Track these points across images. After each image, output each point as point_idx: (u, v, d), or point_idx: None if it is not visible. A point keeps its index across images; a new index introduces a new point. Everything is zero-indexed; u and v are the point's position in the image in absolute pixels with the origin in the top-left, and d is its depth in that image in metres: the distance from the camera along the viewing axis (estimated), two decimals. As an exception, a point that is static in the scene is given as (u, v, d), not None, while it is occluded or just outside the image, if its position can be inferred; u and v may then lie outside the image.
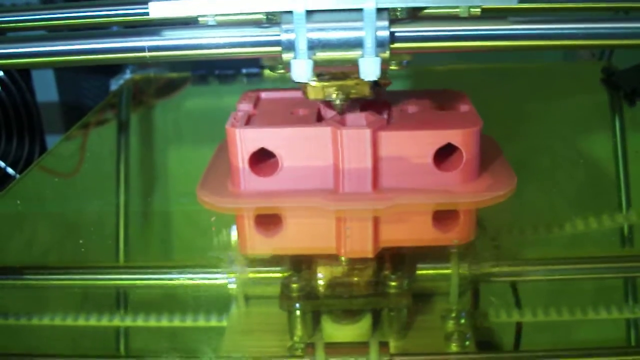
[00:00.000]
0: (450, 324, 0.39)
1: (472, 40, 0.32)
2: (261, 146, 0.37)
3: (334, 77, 0.36)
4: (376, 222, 0.37)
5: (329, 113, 0.39)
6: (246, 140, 0.37)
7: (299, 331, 0.38)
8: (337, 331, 0.38)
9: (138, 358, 0.47)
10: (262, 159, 0.38)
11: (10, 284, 0.45)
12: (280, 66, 0.36)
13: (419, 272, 0.40)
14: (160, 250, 0.59)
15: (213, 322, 0.42)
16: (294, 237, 0.38)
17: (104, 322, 0.43)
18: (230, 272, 0.41)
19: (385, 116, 0.39)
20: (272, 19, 0.34)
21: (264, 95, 0.43)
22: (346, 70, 0.35)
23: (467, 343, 0.37)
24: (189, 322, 0.42)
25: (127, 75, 0.78)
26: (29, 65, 0.63)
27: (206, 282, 0.42)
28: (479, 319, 0.41)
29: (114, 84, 0.78)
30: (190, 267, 0.43)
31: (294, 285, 0.38)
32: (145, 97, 0.77)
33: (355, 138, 0.36)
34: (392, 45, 0.32)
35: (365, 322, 0.38)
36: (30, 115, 0.77)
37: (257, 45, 0.33)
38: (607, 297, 0.43)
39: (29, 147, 0.77)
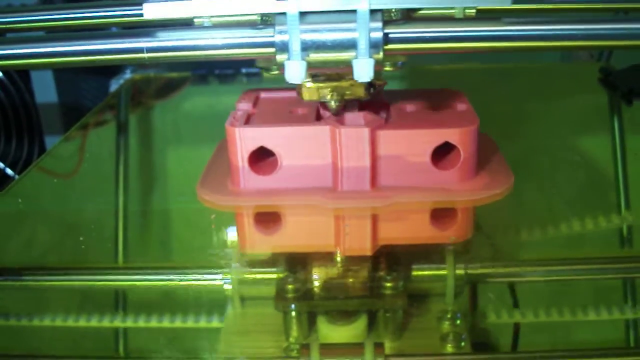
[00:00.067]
0: (446, 325, 0.39)
1: (467, 42, 0.32)
2: (260, 145, 0.37)
3: (328, 78, 0.36)
4: (374, 220, 0.38)
5: (327, 112, 0.39)
6: (246, 139, 0.37)
7: (294, 332, 0.38)
8: (333, 332, 0.38)
9: (136, 359, 0.47)
10: (262, 157, 0.38)
11: (9, 285, 0.45)
12: (274, 67, 0.36)
13: (414, 272, 0.40)
14: (160, 251, 0.59)
15: (208, 323, 0.42)
16: (293, 235, 0.39)
17: (104, 323, 0.43)
18: (226, 273, 0.41)
19: (383, 115, 0.39)
20: (267, 20, 0.34)
21: (263, 94, 0.43)
22: (340, 72, 0.35)
23: (463, 344, 0.37)
24: (185, 323, 0.42)
25: (128, 75, 0.78)
26: (28, 66, 0.63)
27: (202, 283, 0.42)
28: (476, 320, 0.41)
29: (115, 84, 0.78)
30: (186, 268, 0.43)
31: (290, 286, 0.38)
32: (144, 98, 0.78)
33: (354, 137, 0.36)
34: (385, 47, 0.32)
35: (361, 323, 0.38)
36: (30, 116, 0.78)
37: (251, 47, 0.33)
38: (606, 298, 0.43)
39: (28, 148, 0.77)
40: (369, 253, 0.38)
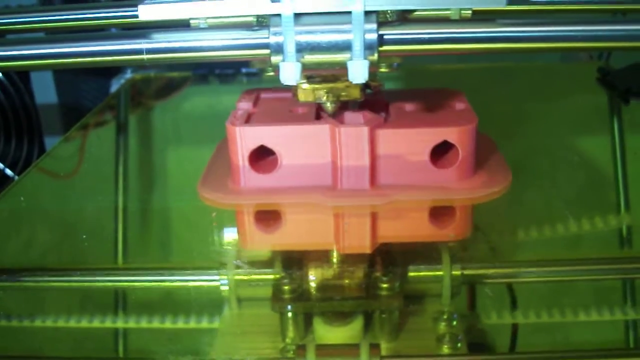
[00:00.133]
0: (442, 326, 0.39)
1: (462, 43, 0.32)
2: (261, 144, 0.38)
3: (324, 79, 0.36)
4: (374, 218, 0.38)
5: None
6: (246, 138, 0.38)
7: (290, 333, 0.39)
8: (329, 333, 0.38)
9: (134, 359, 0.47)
10: (262, 156, 0.39)
11: (8, 286, 0.45)
12: (270, 68, 0.36)
13: (410, 273, 0.40)
14: (159, 251, 0.59)
15: (205, 324, 0.42)
16: (293, 233, 0.39)
17: (97, 323, 0.43)
18: (223, 274, 0.41)
19: (382, 114, 0.39)
20: (262, 22, 0.34)
21: (263, 94, 0.44)
22: (336, 73, 0.35)
23: (459, 345, 0.37)
24: (183, 324, 0.42)
25: (128, 75, 0.78)
26: (28, 68, 0.63)
27: (199, 284, 0.42)
28: (473, 321, 0.41)
29: (115, 84, 0.78)
30: (183, 269, 0.43)
31: (286, 287, 0.38)
32: (144, 99, 0.78)
33: (353, 136, 0.37)
34: (380, 48, 0.32)
35: (357, 324, 0.38)
36: (29, 117, 0.78)
37: (245, 48, 0.33)
38: (605, 299, 0.43)
39: (27, 149, 0.77)
40: (368, 251, 0.38)
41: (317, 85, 0.36)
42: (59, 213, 0.56)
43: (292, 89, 0.38)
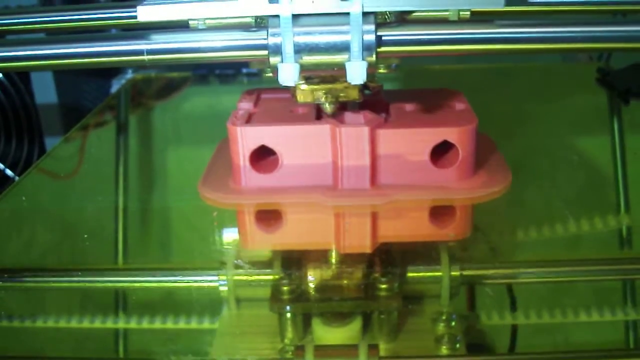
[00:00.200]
0: (441, 327, 0.39)
1: (459, 44, 0.32)
2: (262, 144, 0.38)
3: (322, 80, 0.36)
4: (374, 217, 0.38)
5: (327, 111, 0.39)
6: (247, 138, 0.38)
7: (289, 333, 0.39)
8: (328, 333, 0.38)
9: None
10: (263, 156, 0.39)
11: (9, 286, 0.45)
12: (268, 69, 0.36)
13: (409, 274, 0.40)
14: (160, 251, 0.60)
15: (204, 324, 0.42)
16: (293, 233, 0.40)
17: (107, 324, 0.44)
18: (222, 275, 0.41)
19: (383, 114, 0.39)
20: (261, 23, 0.34)
21: (264, 94, 0.44)
22: (334, 74, 0.35)
23: (458, 346, 0.37)
24: (181, 324, 0.42)
25: (129, 75, 0.78)
26: (29, 68, 0.63)
27: (198, 284, 0.42)
28: (472, 322, 0.41)
29: (116, 84, 0.78)
30: (183, 269, 0.43)
31: (285, 288, 0.38)
32: (144, 99, 0.78)
33: (354, 136, 0.37)
34: (379, 49, 0.32)
35: (356, 325, 0.38)
36: (30, 118, 0.78)
37: (244, 49, 0.33)
38: (605, 300, 0.43)
39: (28, 149, 0.77)
40: (368, 250, 0.38)
41: (315, 86, 0.36)
42: (60, 213, 0.56)
43: (291, 90, 0.38)
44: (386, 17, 0.34)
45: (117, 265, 0.54)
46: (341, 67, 0.32)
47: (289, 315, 0.38)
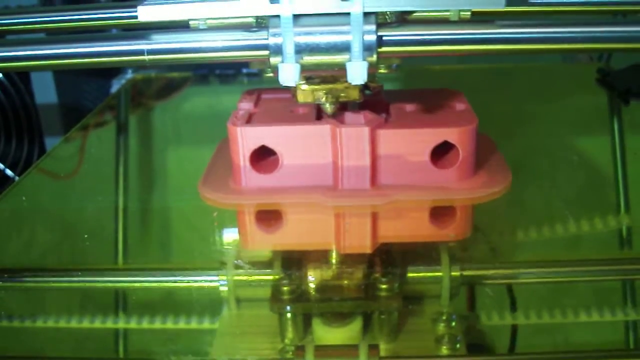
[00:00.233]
0: (441, 327, 0.39)
1: (460, 44, 0.32)
2: (262, 144, 0.38)
3: (323, 80, 0.36)
4: (374, 218, 0.38)
5: (327, 111, 0.39)
6: (247, 138, 0.38)
7: (289, 334, 0.39)
8: (328, 334, 0.38)
9: None
10: (263, 156, 0.39)
11: (9, 286, 0.45)
12: (268, 69, 0.36)
13: (409, 274, 0.40)
14: (160, 252, 0.60)
15: (204, 324, 0.42)
16: (293, 233, 0.39)
17: (107, 324, 0.44)
18: (222, 275, 0.41)
19: (383, 115, 0.39)
20: (261, 23, 0.34)
21: (264, 94, 0.44)
22: (335, 74, 0.35)
23: (458, 346, 0.37)
24: (182, 324, 0.42)
25: (129, 75, 0.78)
26: (29, 68, 0.63)
27: (198, 284, 0.42)
28: (472, 322, 0.41)
29: (116, 84, 0.78)
30: (183, 269, 0.43)
31: (285, 288, 0.38)
32: (144, 99, 0.78)
33: (354, 136, 0.37)
34: (379, 49, 0.32)
35: (356, 325, 0.38)
36: (30, 118, 0.78)
37: (244, 49, 0.33)
38: (605, 300, 0.43)
39: (28, 149, 0.77)
40: (368, 251, 0.38)
41: (316, 86, 0.36)
42: (60, 213, 0.56)
43: (292, 90, 0.38)
44: (387, 17, 0.34)
45: (117, 265, 0.54)
46: (342, 67, 0.32)
47: (289, 315, 0.38)
